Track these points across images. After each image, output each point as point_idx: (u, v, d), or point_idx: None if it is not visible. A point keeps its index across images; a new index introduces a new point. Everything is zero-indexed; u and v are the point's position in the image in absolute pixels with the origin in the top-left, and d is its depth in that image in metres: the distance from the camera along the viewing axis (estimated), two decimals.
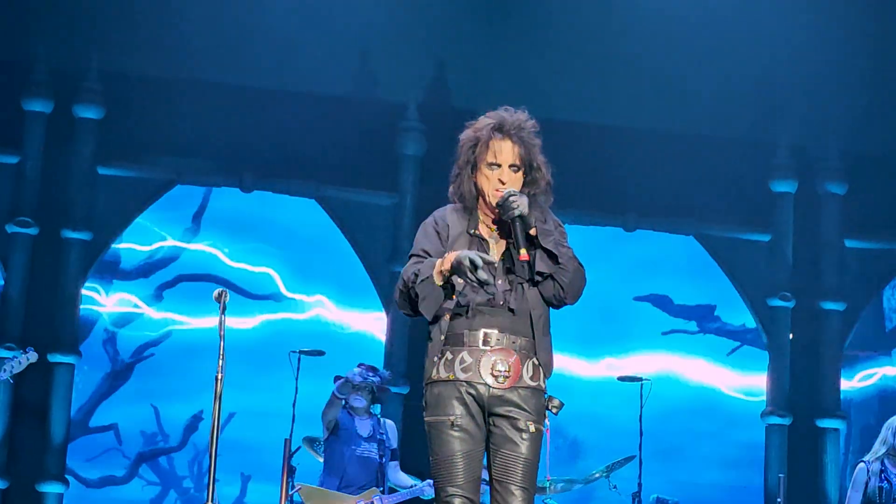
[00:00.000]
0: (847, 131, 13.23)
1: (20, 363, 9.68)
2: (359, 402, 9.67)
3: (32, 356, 9.78)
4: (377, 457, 9.59)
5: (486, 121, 5.18)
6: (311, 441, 9.93)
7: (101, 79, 12.50)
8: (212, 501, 5.72)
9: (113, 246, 13.02)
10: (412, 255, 5.17)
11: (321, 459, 9.82)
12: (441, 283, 4.96)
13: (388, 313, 12.77)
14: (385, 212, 12.89)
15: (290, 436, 9.57)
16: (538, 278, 5.06)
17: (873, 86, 13.06)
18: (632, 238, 13.29)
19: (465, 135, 5.20)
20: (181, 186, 12.99)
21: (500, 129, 5.12)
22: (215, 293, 5.88)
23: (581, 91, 12.83)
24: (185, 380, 13.81)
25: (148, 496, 15.57)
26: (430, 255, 5.07)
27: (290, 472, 9.46)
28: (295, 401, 9.74)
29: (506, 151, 5.12)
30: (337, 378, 9.67)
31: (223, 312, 5.80)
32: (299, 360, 9.87)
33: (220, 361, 5.70)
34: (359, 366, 9.79)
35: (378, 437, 9.62)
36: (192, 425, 16.30)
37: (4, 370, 9.67)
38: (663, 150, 13.11)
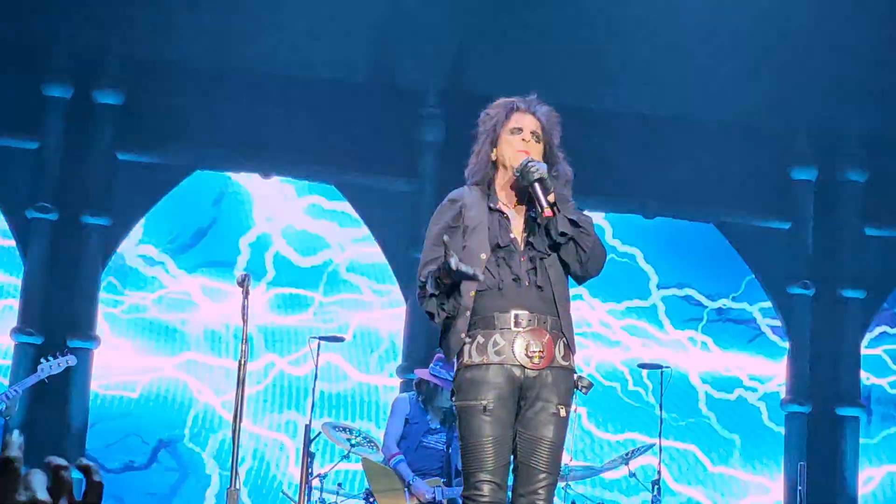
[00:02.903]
0: (867, 118, 13.17)
1: (59, 365, 9.75)
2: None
3: (72, 360, 9.87)
4: (444, 447, 9.47)
5: (503, 100, 5.35)
6: (331, 426, 9.89)
7: (121, 64, 12.50)
8: (235, 487, 5.69)
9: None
10: (424, 262, 5.18)
11: (340, 446, 9.77)
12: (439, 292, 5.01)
13: (406, 300, 12.75)
14: (404, 198, 12.86)
15: (310, 421, 9.55)
16: (561, 240, 5.07)
17: (894, 72, 12.98)
18: (651, 225, 13.26)
19: (485, 114, 5.35)
20: (200, 172, 12.98)
21: (520, 104, 5.30)
22: (238, 277, 5.84)
23: (601, 78, 12.78)
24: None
25: (168, 482, 15.59)
26: (438, 251, 5.00)
27: (310, 457, 9.43)
28: (314, 387, 9.71)
29: (528, 120, 5.26)
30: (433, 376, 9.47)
31: (246, 297, 5.75)
32: (318, 346, 9.83)
33: (244, 346, 5.67)
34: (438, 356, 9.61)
35: (450, 425, 9.42)
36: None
37: (42, 369, 9.73)
38: (683, 137, 13.07)
